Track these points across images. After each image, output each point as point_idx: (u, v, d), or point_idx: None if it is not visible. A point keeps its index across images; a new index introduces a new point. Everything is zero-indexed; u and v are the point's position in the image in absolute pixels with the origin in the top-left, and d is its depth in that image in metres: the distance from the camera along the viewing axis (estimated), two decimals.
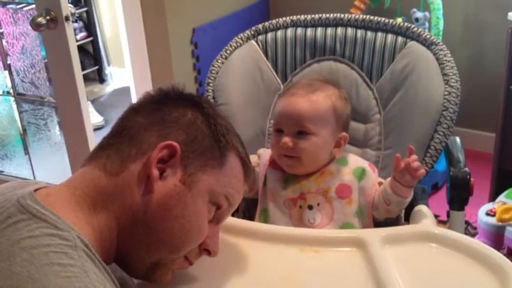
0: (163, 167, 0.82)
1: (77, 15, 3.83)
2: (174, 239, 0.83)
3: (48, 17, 1.83)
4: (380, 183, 1.22)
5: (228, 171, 0.88)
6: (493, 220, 1.97)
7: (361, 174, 1.23)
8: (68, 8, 1.86)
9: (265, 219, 1.24)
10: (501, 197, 2.08)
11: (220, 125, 0.89)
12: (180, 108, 0.87)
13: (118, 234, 0.82)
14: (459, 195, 1.29)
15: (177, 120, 0.86)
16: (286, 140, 1.20)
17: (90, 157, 0.86)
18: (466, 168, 1.31)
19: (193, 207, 0.84)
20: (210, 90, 1.42)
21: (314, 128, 1.20)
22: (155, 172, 0.82)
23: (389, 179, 1.18)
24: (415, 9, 2.60)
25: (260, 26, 1.48)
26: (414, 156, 1.13)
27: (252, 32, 1.48)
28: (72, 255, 0.70)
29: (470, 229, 2.26)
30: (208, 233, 0.88)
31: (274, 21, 1.48)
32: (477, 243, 1.04)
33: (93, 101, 3.85)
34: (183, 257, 0.88)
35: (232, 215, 1.27)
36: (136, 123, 0.86)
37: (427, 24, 2.57)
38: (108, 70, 4.25)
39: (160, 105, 0.88)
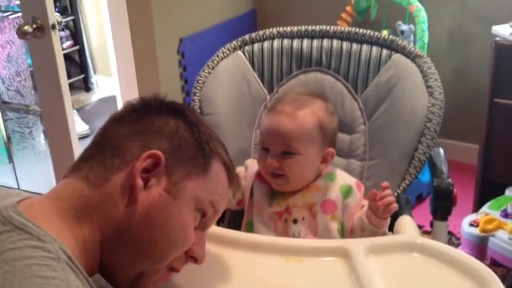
0: (147, 176, 0.82)
1: (63, 23, 3.82)
2: (159, 249, 0.83)
3: (34, 25, 1.83)
4: (363, 206, 1.23)
5: (212, 177, 0.88)
6: (476, 231, 1.98)
7: (347, 191, 1.24)
8: (54, 17, 1.86)
9: (251, 232, 1.24)
10: (484, 208, 2.09)
11: (204, 132, 0.89)
12: (163, 117, 0.87)
13: (102, 246, 0.81)
14: (442, 206, 1.30)
15: (159, 129, 0.86)
16: (272, 161, 1.21)
17: (73, 168, 0.85)
18: (449, 179, 1.32)
19: (178, 216, 0.83)
20: (197, 100, 1.43)
21: (300, 147, 1.20)
22: (139, 182, 0.81)
23: (366, 207, 1.19)
24: (400, 22, 2.63)
25: (247, 36, 1.49)
26: (387, 191, 1.15)
27: (239, 43, 1.48)
28: (55, 268, 0.69)
29: (454, 240, 2.28)
30: (195, 240, 0.88)
31: (261, 32, 1.49)
32: (459, 253, 1.06)
33: (78, 110, 3.83)
34: (165, 268, 0.87)
35: (218, 225, 1.27)
36: (119, 134, 0.86)
37: (412, 37, 2.60)
38: (95, 79, 4.24)
39: (142, 114, 0.88)
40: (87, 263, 0.79)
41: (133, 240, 0.81)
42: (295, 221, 1.22)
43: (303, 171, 1.23)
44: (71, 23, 4.04)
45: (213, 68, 1.45)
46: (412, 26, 2.60)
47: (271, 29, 1.49)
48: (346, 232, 1.23)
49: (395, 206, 1.15)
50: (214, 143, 0.90)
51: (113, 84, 3.39)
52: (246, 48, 1.48)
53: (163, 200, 0.82)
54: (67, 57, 3.73)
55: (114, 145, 0.84)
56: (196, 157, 0.86)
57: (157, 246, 0.83)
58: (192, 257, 0.90)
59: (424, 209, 1.94)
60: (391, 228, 1.26)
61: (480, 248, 1.98)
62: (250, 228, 1.25)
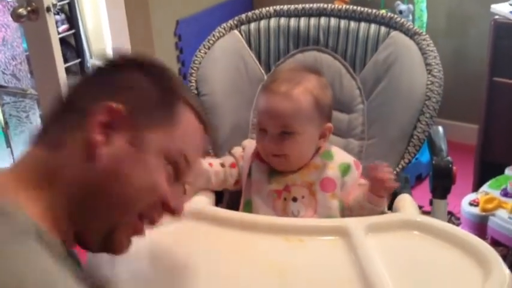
0: (107, 131, 0.79)
1: (58, 7, 3.79)
2: (126, 198, 0.80)
3: (29, 8, 1.80)
4: (360, 185, 1.22)
5: (181, 127, 0.84)
6: (476, 210, 1.98)
7: (345, 169, 1.24)
8: None
9: (249, 211, 1.23)
10: (484, 187, 2.09)
11: (168, 80, 0.86)
12: (124, 72, 0.84)
13: (70, 208, 0.78)
14: (442, 184, 1.30)
15: (119, 83, 0.83)
16: (271, 143, 1.20)
17: (33, 138, 0.83)
18: (449, 157, 1.32)
19: (143, 165, 0.80)
20: (193, 81, 1.41)
21: (298, 127, 1.19)
22: (98, 137, 0.78)
23: (365, 186, 1.18)
24: (399, 2, 2.61)
25: (243, 16, 1.47)
26: (387, 168, 1.14)
27: (235, 22, 1.47)
28: (21, 240, 0.68)
29: (454, 220, 2.27)
30: (170, 192, 0.84)
31: (257, 11, 1.47)
32: (459, 230, 1.06)
33: None
34: (140, 221, 0.84)
35: (216, 206, 1.27)
36: (76, 94, 0.83)
37: (410, 17, 2.58)
38: (91, 63, 4.22)
39: (102, 71, 0.85)
40: (59, 230, 0.77)
41: (100, 195, 0.79)
42: (294, 199, 1.22)
43: (302, 149, 1.22)
44: (66, 7, 3.99)
45: (209, 48, 1.43)
46: (410, 6, 2.58)
47: (267, 8, 1.47)
48: (344, 209, 1.22)
49: (395, 185, 1.14)
50: (182, 92, 0.87)
51: None
52: (243, 27, 1.46)
53: (126, 153, 0.79)
54: (63, 41, 3.69)
55: (69, 106, 0.82)
56: (161, 107, 0.83)
57: (123, 197, 0.79)
58: (168, 209, 0.86)
59: (424, 189, 1.94)
60: (390, 207, 1.26)
61: (480, 228, 1.97)
62: (248, 207, 1.24)
